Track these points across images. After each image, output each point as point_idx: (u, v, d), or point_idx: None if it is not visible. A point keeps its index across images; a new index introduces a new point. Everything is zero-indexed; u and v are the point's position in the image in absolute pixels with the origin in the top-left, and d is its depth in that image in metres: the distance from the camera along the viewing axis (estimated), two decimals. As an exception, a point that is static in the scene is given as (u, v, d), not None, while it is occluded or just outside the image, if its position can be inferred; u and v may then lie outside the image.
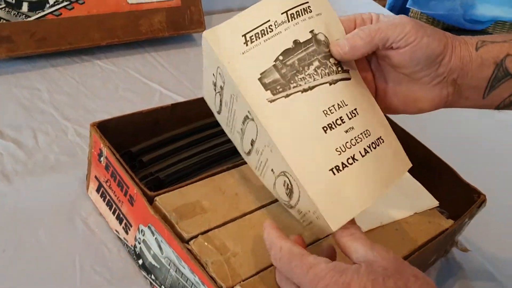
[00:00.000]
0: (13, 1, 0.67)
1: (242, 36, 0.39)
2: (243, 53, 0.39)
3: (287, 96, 0.38)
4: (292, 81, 0.39)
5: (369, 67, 0.45)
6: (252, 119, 0.39)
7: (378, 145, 0.40)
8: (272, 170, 0.40)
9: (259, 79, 0.38)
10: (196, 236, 0.42)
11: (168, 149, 0.56)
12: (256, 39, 0.39)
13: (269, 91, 0.38)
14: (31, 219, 0.51)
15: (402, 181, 0.45)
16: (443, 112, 0.47)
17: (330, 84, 0.40)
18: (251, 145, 0.41)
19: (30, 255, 0.48)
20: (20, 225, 0.50)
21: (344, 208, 0.37)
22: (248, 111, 0.38)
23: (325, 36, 0.41)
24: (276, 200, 0.47)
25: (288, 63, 0.39)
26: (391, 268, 0.33)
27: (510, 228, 0.65)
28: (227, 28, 0.39)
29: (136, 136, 0.55)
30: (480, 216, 0.55)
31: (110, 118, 0.52)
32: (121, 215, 0.49)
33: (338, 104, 0.39)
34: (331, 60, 0.41)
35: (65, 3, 0.72)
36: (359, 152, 0.39)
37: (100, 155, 0.50)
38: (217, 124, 0.62)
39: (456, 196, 0.55)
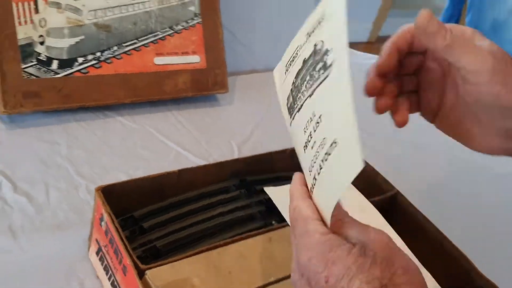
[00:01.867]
0: (45, 59, 0.71)
1: (285, 66, 0.42)
2: (282, 82, 0.42)
3: (293, 118, 0.40)
4: (295, 103, 0.40)
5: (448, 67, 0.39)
6: None
7: (330, 154, 0.36)
8: None
9: (286, 105, 0.41)
10: (180, 317, 0.41)
11: (171, 215, 0.56)
12: (290, 67, 0.41)
13: (289, 115, 0.41)
14: (30, 278, 0.51)
15: None
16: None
17: (310, 96, 0.38)
18: None
19: (22, 316, 0.48)
20: (18, 284, 0.51)
21: None
22: None
23: (322, 42, 0.38)
24: (270, 283, 0.45)
25: (296, 84, 0.40)
26: (381, 255, 0.32)
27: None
28: (282, 61, 0.43)
29: (141, 200, 0.56)
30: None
31: (115, 183, 0.53)
32: (115, 283, 0.49)
33: (310, 118, 0.38)
34: (319, 65, 0.37)
35: (93, 62, 0.75)
36: (317, 170, 0.37)
37: (101, 219, 0.51)
38: (223, 190, 0.62)
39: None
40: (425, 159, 0.83)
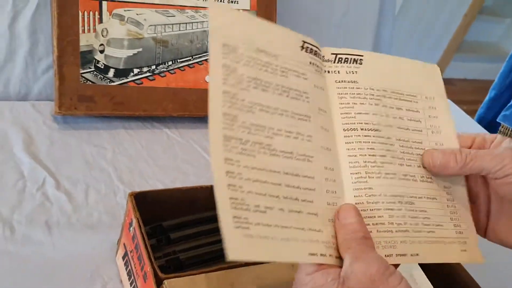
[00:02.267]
0: (102, 67, 0.74)
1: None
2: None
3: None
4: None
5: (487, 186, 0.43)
6: None
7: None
8: None
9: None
10: (190, 331, 0.41)
11: (199, 229, 0.56)
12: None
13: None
14: (56, 273, 0.53)
15: None
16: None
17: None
18: None
19: (43, 308, 0.49)
20: (44, 276, 0.52)
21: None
22: None
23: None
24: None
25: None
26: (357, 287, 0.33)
27: None
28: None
29: (173, 211, 0.57)
30: None
31: (148, 190, 0.54)
32: (136, 288, 0.50)
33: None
34: None
35: (147, 74, 0.78)
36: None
37: (130, 224, 0.52)
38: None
39: None
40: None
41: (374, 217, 0.37)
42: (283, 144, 0.35)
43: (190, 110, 0.81)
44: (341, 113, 0.40)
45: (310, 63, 0.39)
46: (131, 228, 0.51)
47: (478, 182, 0.43)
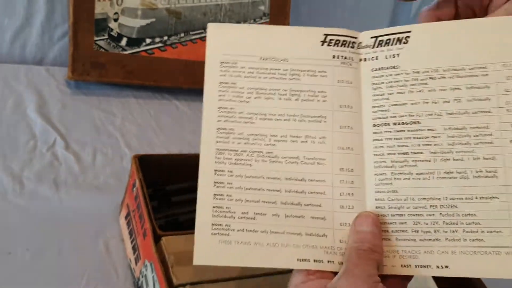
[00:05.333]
0: (116, 35, 0.76)
1: None
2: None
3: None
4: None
5: None
6: None
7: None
8: None
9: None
10: (184, 285, 0.43)
11: (200, 195, 0.58)
12: None
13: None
14: (61, 228, 0.55)
15: None
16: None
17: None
18: None
19: (47, 259, 0.52)
20: (50, 230, 0.55)
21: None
22: None
23: None
24: (280, 273, 0.46)
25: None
26: None
27: None
28: None
29: (177, 176, 0.58)
30: None
31: (153, 154, 0.56)
32: (136, 246, 0.52)
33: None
34: None
35: (159, 45, 0.79)
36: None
37: (133, 185, 0.54)
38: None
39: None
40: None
41: (395, 223, 0.34)
42: (287, 149, 0.36)
43: (200, 83, 0.82)
44: (372, 107, 0.37)
45: (334, 56, 0.37)
46: (134, 189, 0.53)
47: None
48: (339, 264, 0.34)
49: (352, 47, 0.38)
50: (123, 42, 0.77)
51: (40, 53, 0.80)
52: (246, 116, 0.36)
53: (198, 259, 0.34)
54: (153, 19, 0.78)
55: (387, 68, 0.37)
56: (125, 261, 0.54)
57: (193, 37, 0.81)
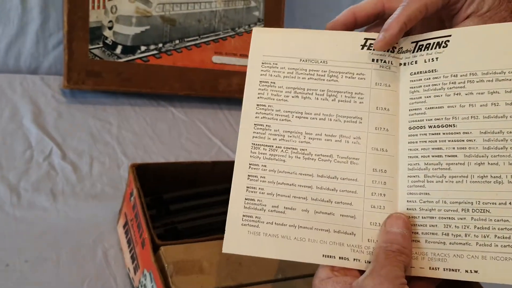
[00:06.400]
0: (110, 43, 0.76)
1: None
2: None
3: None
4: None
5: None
6: None
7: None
8: None
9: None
10: (184, 294, 0.43)
11: (198, 202, 0.58)
12: None
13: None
14: (59, 238, 0.55)
15: None
16: None
17: None
18: None
19: (45, 270, 0.52)
20: (48, 241, 0.54)
21: None
22: None
23: None
24: (277, 280, 0.46)
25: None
26: None
27: None
28: None
29: (174, 184, 0.58)
30: None
31: (150, 163, 0.56)
32: (135, 255, 0.52)
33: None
34: None
35: (154, 52, 0.79)
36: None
37: (131, 194, 0.54)
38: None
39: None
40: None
41: (425, 225, 0.34)
42: (321, 147, 0.37)
43: (196, 89, 0.83)
44: (409, 110, 0.37)
45: (373, 60, 0.38)
46: (132, 198, 0.53)
47: None
48: (365, 263, 0.34)
49: (392, 52, 0.38)
50: (118, 50, 0.77)
51: (35, 62, 0.80)
52: (283, 114, 0.37)
53: (227, 248, 0.35)
54: (148, 27, 0.78)
55: (425, 72, 0.37)
56: (124, 270, 0.54)
57: (188, 43, 0.81)
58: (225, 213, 0.58)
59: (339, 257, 0.34)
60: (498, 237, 0.33)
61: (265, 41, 0.39)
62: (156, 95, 0.82)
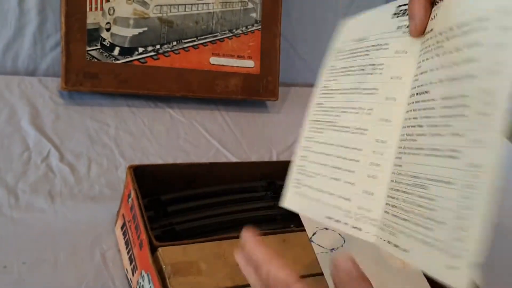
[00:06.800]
0: (108, 45, 0.76)
1: None
2: None
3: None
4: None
5: None
6: None
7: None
8: None
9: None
10: (181, 295, 0.43)
11: (196, 204, 0.58)
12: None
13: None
14: (57, 240, 0.55)
15: None
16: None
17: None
18: None
19: (43, 271, 0.52)
20: (46, 242, 0.54)
21: None
22: None
23: None
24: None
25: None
26: None
27: None
28: None
29: (171, 185, 0.58)
30: None
31: (148, 164, 0.56)
32: (133, 257, 0.52)
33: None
34: None
35: (152, 54, 0.79)
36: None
37: (129, 195, 0.54)
38: (251, 189, 0.64)
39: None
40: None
41: (394, 197, 0.34)
42: (345, 119, 0.39)
43: (194, 91, 0.83)
44: (414, 75, 0.34)
45: (398, 27, 0.37)
46: (130, 199, 0.53)
47: None
48: (352, 227, 0.36)
49: None
50: (116, 51, 0.77)
51: (33, 64, 0.80)
52: (332, 92, 0.42)
53: (283, 203, 0.41)
54: (145, 28, 0.78)
55: (427, 32, 0.34)
56: (122, 271, 0.54)
57: (186, 45, 0.81)
58: (223, 214, 0.58)
59: (335, 220, 0.37)
60: (426, 218, 0.30)
61: (342, 32, 0.44)
62: (154, 97, 0.82)
